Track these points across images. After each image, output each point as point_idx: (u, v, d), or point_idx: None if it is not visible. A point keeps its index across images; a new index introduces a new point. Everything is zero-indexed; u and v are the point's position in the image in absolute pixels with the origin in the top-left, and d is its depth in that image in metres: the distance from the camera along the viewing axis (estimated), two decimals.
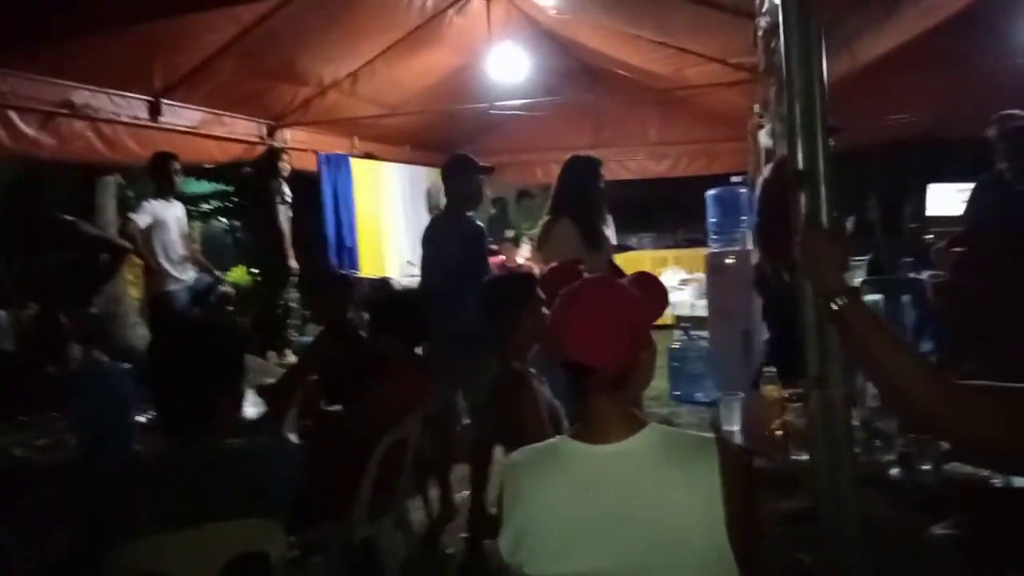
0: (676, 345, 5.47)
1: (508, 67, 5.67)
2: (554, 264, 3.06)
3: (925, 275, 4.18)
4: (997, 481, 2.02)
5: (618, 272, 3.70)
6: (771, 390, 2.47)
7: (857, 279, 4.99)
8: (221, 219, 7.93)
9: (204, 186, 7.54)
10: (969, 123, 4.01)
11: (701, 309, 5.55)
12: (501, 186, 8.69)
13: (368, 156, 6.95)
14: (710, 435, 1.34)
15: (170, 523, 1.48)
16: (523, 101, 6.16)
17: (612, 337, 1.30)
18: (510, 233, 6.72)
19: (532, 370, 2.34)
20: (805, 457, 1.79)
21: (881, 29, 4.37)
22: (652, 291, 1.41)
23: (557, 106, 6.87)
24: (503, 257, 6.47)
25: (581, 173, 3.62)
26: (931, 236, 4.17)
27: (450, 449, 3.54)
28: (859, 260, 5.12)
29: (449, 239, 3.44)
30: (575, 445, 1.33)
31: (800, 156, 1.54)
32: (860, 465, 2.15)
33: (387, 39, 5.29)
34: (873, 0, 3.29)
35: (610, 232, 3.83)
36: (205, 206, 7.66)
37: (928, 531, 2.93)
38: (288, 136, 5.84)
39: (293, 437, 2.83)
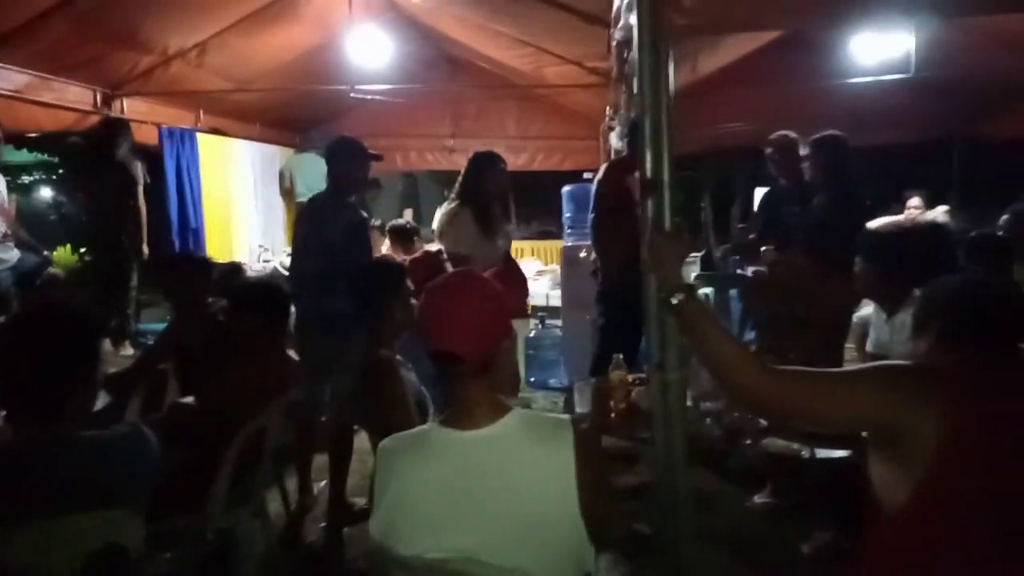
0: (532, 333, 5.72)
1: (369, 49, 5.62)
2: (416, 255, 3.14)
3: (749, 271, 4.68)
4: (805, 453, 2.35)
5: (512, 262, 3.89)
6: (618, 375, 2.70)
7: (691, 274, 5.48)
8: (44, 192, 7.24)
9: (24, 155, 6.85)
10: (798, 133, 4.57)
11: (556, 299, 5.83)
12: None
13: (216, 132, 6.63)
14: (566, 416, 1.49)
15: (24, 516, 1.43)
16: (384, 86, 6.13)
17: (477, 327, 1.39)
18: (376, 221, 6.64)
19: (399, 358, 2.41)
20: (647, 436, 2.00)
21: (718, 46, 4.79)
22: (513, 283, 1.53)
23: (418, 94, 6.89)
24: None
25: (479, 167, 3.73)
26: (754, 236, 4.68)
27: (312, 438, 3.52)
28: (693, 257, 5.59)
29: (330, 224, 3.39)
30: (445, 431, 1.42)
31: (648, 166, 1.73)
32: (692, 440, 2.43)
33: (240, 11, 5.08)
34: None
35: (511, 225, 3.99)
36: (26, 177, 6.96)
37: (750, 500, 3.35)
38: (126, 106, 5.45)
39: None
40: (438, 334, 1.38)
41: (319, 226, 3.32)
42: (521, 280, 3.91)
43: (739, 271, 5.09)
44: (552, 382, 5.48)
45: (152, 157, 5.85)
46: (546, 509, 1.35)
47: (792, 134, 4.38)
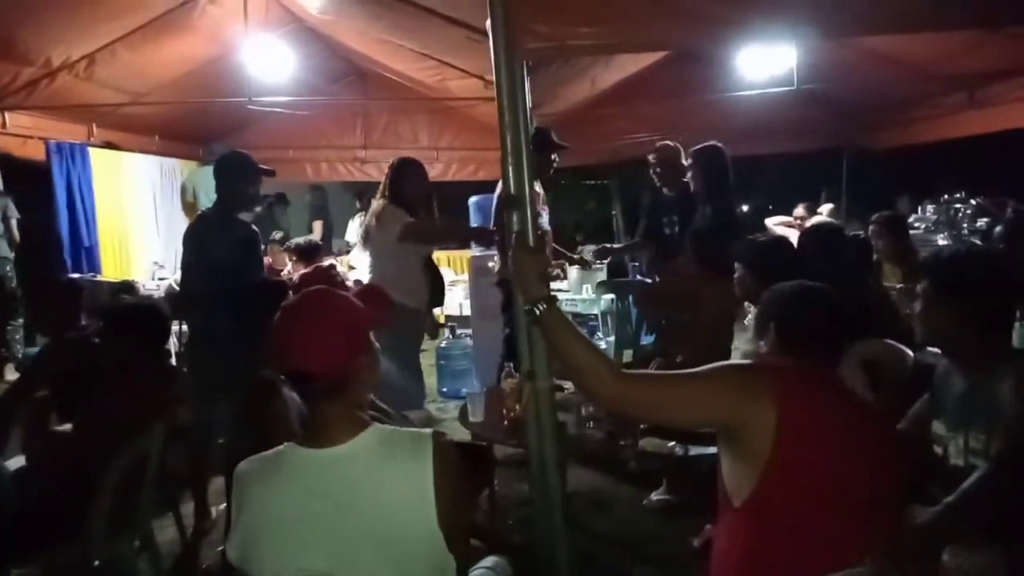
0: (443, 344, 5.75)
1: (268, 61, 5.54)
2: (307, 271, 3.13)
3: (649, 280, 4.86)
4: (679, 450, 2.47)
5: (431, 267, 3.90)
6: (509, 383, 2.77)
7: (597, 279, 5.65)
8: None
9: None
10: (690, 142, 4.77)
11: (468, 309, 5.89)
12: (267, 184, 8.44)
13: (109, 146, 6.39)
14: (427, 431, 1.48)
15: None
16: (285, 99, 6.06)
17: (328, 344, 1.38)
18: (277, 234, 6.54)
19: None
20: None
21: (612, 62, 4.96)
22: (373, 301, 1.55)
23: (321, 106, 6.83)
24: (269, 260, 6.29)
25: (400, 171, 3.80)
26: (634, 242, 4.88)
27: (205, 461, 3.44)
28: (600, 264, 5.75)
29: (219, 241, 3.33)
30: (300, 451, 1.41)
31: (512, 182, 1.80)
32: (574, 442, 2.53)
33: (129, 22, 4.93)
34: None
35: None
36: None
37: (646, 499, 3.47)
38: (8, 120, 5.20)
39: (19, 458, 2.62)
40: (288, 352, 1.39)
41: (208, 242, 3.27)
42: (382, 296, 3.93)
43: (639, 277, 5.27)
44: (464, 391, 5.52)
45: (40, 173, 5.59)
46: (401, 524, 1.36)
47: (673, 144, 4.57)
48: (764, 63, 5.59)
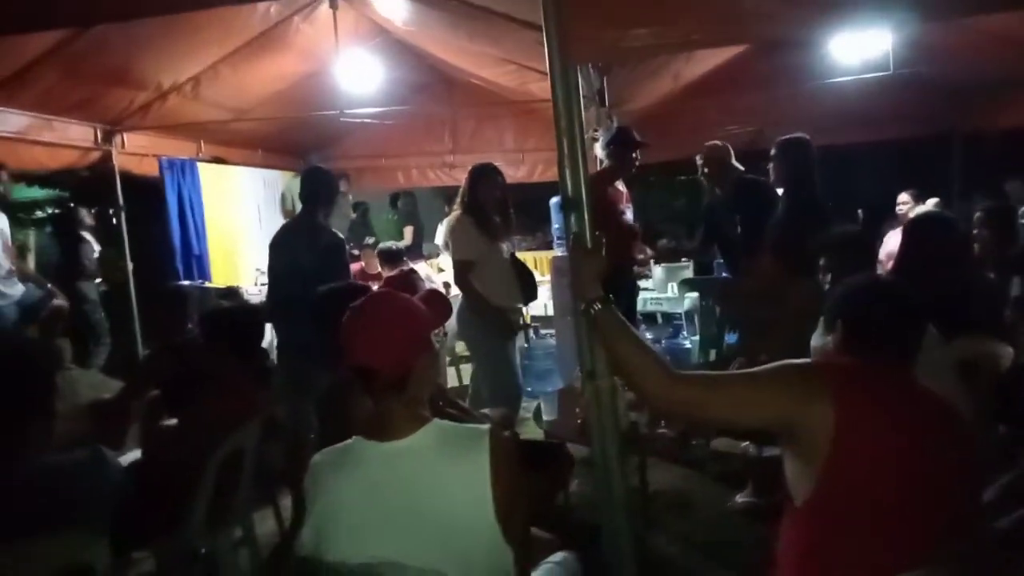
0: (527, 344, 5.80)
1: (359, 74, 5.77)
2: (391, 274, 3.25)
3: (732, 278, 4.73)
4: (752, 450, 2.40)
5: (518, 265, 4.01)
6: (579, 383, 2.77)
7: (682, 277, 5.56)
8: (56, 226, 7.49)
9: (36, 192, 7.10)
10: (781, 133, 4.61)
11: (551, 309, 5.92)
12: (361, 191, 8.76)
13: (217, 160, 6.82)
14: (484, 427, 1.54)
15: None
16: (375, 110, 6.28)
17: (390, 343, 1.48)
18: (370, 240, 6.79)
19: None
20: None
21: (692, 56, 4.87)
22: (434, 304, 1.62)
23: (409, 115, 7.03)
24: (363, 264, 6.55)
25: (474, 178, 3.93)
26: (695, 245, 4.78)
27: (300, 457, 3.63)
28: (685, 261, 5.65)
29: (307, 248, 3.57)
30: (365, 444, 1.51)
31: (569, 185, 1.82)
32: (645, 442, 2.51)
33: (229, 44, 5.24)
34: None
35: (509, 235, 4.11)
36: (39, 213, 7.21)
37: (731, 500, 3.40)
38: (127, 141, 5.65)
39: (136, 452, 2.86)
40: (354, 350, 1.49)
41: (296, 251, 3.46)
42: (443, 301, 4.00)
43: (723, 275, 5.14)
44: (549, 390, 5.57)
45: (154, 188, 6.05)
46: (460, 515, 1.43)
47: (721, 143, 4.48)
48: (857, 47, 5.32)
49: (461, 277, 3.76)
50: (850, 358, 1.57)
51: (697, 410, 1.59)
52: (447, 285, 6.24)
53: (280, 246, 3.68)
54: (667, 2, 1.67)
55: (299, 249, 3.46)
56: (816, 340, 1.68)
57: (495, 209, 3.86)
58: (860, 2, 1.69)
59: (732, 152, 4.29)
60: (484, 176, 3.88)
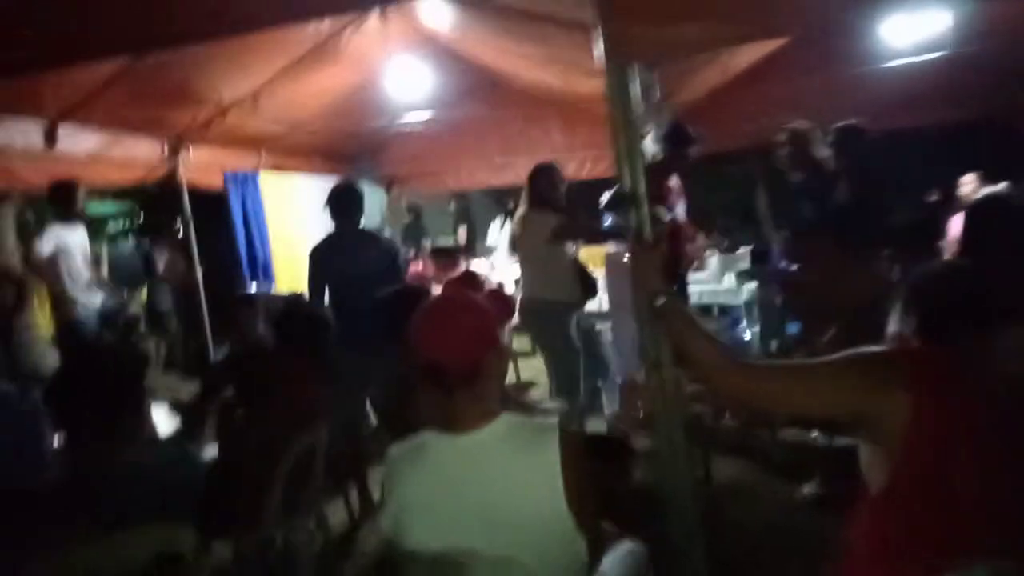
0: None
1: (409, 83, 5.88)
2: (453, 275, 3.34)
3: (794, 267, 4.66)
4: (822, 440, 2.37)
5: (579, 263, 4.09)
6: (642, 376, 2.78)
7: (739, 267, 5.49)
8: (129, 238, 7.83)
9: (108, 207, 7.43)
10: (834, 120, 4.53)
11: (606, 303, 5.92)
12: (413, 195, 8.90)
13: (276, 169, 7.03)
14: (553, 421, 1.61)
15: (84, 534, 1.65)
16: (424, 119, 6.39)
17: (461, 339, 1.54)
18: (427, 242, 6.92)
19: None
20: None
21: (740, 46, 4.81)
22: (498, 302, 1.67)
23: (458, 120, 7.11)
24: (420, 267, 6.67)
25: (535, 178, 4.09)
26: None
27: (361, 451, 3.76)
28: (743, 250, 5.57)
29: (362, 253, 3.73)
30: (439, 438, 1.57)
31: (628, 181, 1.85)
32: (710, 433, 2.51)
33: (284, 59, 5.40)
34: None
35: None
36: (112, 225, 7.56)
37: (797, 491, 3.36)
38: (191, 155, 5.88)
39: (209, 449, 3.00)
40: (425, 348, 1.55)
41: (353, 256, 3.60)
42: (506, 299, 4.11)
43: (781, 266, 5.07)
44: (607, 383, 5.58)
45: (218, 201, 6.27)
46: (533, 506, 1.47)
47: (804, 126, 4.38)
48: (913, 27, 5.17)
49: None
50: (926, 345, 1.55)
51: (768, 399, 1.59)
52: (500, 285, 6.32)
53: (329, 254, 3.86)
54: None
55: (356, 254, 3.61)
56: (892, 328, 1.66)
57: (558, 206, 3.95)
58: None
59: (813, 136, 4.21)
60: (543, 176, 4.00)
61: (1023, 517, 1.40)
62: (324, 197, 7.55)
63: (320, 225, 7.43)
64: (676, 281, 4.55)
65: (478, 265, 6.02)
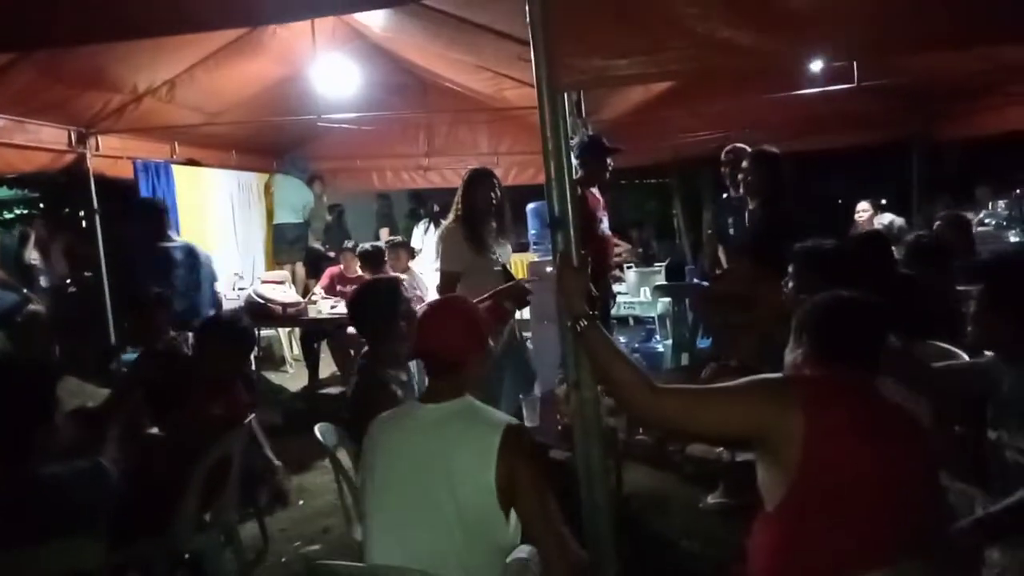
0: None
1: (335, 79, 5.79)
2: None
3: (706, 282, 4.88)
4: (725, 456, 2.51)
5: (509, 277, 3.97)
6: (563, 389, 2.86)
7: (655, 282, 5.68)
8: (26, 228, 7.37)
9: (4, 192, 6.99)
10: (748, 140, 4.76)
11: (527, 312, 6.00)
12: (336, 193, 8.76)
13: (191, 163, 6.78)
14: (509, 418, 1.82)
15: None
16: (351, 115, 6.31)
17: (449, 334, 1.89)
18: (349, 243, 6.79)
19: (399, 374, 2.63)
20: None
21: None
22: (493, 314, 2.19)
23: (385, 119, 7.07)
24: (340, 267, 6.56)
25: (469, 184, 3.84)
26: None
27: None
28: (658, 265, 5.77)
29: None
30: (413, 404, 1.95)
31: (556, 205, 1.90)
32: (625, 447, 2.62)
33: (206, 48, 5.23)
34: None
35: (505, 241, 4.06)
36: (7, 214, 7.10)
37: (703, 500, 3.52)
38: (101, 143, 5.60)
39: (116, 459, 2.88)
40: (423, 337, 1.92)
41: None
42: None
43: (695, 281, 5.28)
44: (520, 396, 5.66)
45: (128, 190, 6.00)
46: (463, 471, 1.73)
47: (741, 146, 4.58)
48: (824, 62, 5.48)
49: (445, 289, 3.79)
50: (818, 370, 1.68)
51: (679, 422, 1.68)
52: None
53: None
54: (650, 33, 1.76)
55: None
56: (788, 355, 1.78)
57: (491, 215, 3.84)
58: (827, 36, 1.81)
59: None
60: (477, 183, 3.84)
61: (917, 523, 1.53)
62: (241, 194, 7.50)
63: (236, 223, 7.34)
64: (603, 293, 4.60)
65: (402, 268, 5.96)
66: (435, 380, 1.91)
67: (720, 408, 1.61)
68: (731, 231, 4.38)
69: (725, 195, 4.58)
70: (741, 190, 4.24)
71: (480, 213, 3.77)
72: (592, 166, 4.65)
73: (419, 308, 2.04)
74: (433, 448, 1.77)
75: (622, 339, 6.25)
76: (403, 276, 5.18)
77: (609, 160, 4.54)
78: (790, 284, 2.94)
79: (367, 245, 5.80)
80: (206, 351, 2.79)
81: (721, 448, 2.55)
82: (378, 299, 2.70)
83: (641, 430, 2.66)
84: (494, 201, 3.80)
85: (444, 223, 3.95)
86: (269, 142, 7.69)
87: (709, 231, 5.47)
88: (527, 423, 3.00)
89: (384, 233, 8.46)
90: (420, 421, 1.84)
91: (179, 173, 6.49)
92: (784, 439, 1.54)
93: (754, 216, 3.92)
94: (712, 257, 4.97)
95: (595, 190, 4.80)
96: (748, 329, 3.52)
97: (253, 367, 4.25)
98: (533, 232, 6.25)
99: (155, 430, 2.90)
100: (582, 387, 1.94)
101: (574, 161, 4.99)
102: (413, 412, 1.89)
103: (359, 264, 5.65)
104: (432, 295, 5.20)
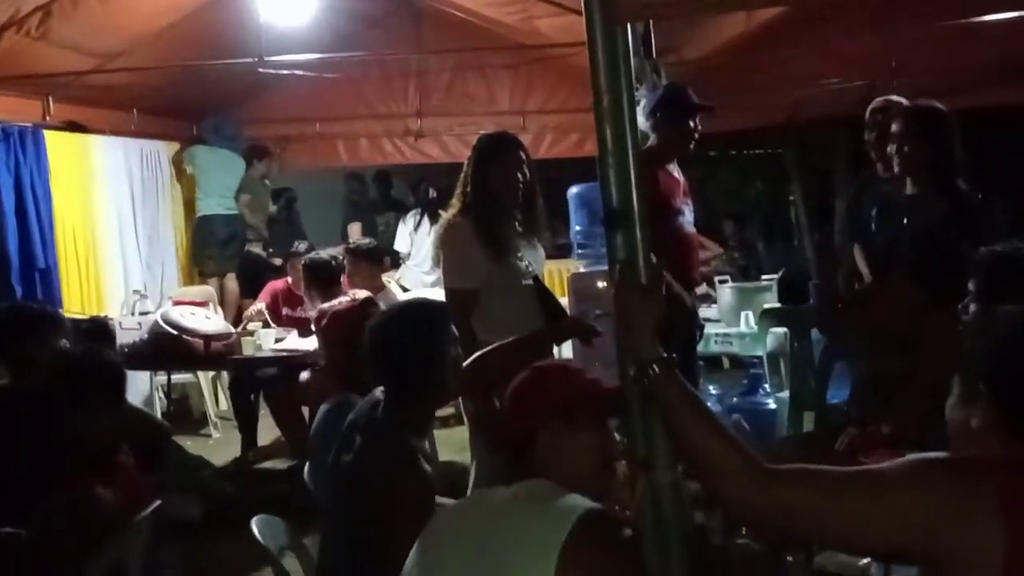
0: None
1: (289, 6, 5.87)
2: (339, 307, 3.31)
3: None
4: (876, 571, 2.45)
5: (546, 293, 3.93)
6: (621, 468, 2.83)
7: (763, 303, 5.64)
8: None
9: None
10: (919, 93, 4.69)
11: (565, 350, 5.99)
12: (286, 173, 8.85)
13: (72, 127, 6.89)
14: (587, 503, 1.89)
15: None
16: (308, 57, 6.38)
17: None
18: (301, 245, 6.79)
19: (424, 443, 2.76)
20: None
21: None
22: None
23: (365, 61, 7.13)
24: (288, 280, 6.59)
25: (483, 159, 3.81)
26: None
27: None
28: (767, 279, 5.72)
29: None
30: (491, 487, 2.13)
31: (614, 191, 1.89)
32: (720, 557, 2.58)
33: None
34: None
35: (539, 239, 4.00)
36: None
37: None
38: None
39: None
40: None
41: None
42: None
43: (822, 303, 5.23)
44: None
45: None
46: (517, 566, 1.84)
47: (895, 100, 4.54)
48: None
49: (455, 317, 3.75)
50: (1016, 445, 1.63)
51: (799, 521, 1.64)
52: None
53: None
54: None
55: None
56: (953, 411, 1.74)
57: (515, 204, 3.79)
58: None
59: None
60: (497, 154, 3.80)
61: None
62: (145, 172, 7.58)
63: (138, 215, 7.41)
64: (684, 322, 4.57)
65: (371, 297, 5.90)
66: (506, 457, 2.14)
67: (864, 504, 1.57)
68: (874, 226, 4.33)
69: (868, 174, 4.53)
70: (895, 167, 4.20)
71: (499, 201, 3.76)
72: (670, 132, 4.64)
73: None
74: (488, 546, 1.91)
75: (712, 390, 6.20)
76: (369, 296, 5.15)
77: (695, 123, 4.53)
78: (971, 308, 2.89)
79: (317, 254, 5.77)
80: (76, 399, 2.82)
81: (867, 560, 2.49)
82: (416, 331, 2.70)
83: (744, 531, 2.61)
84: (521, 183, 3.78)
85: (444, 216, 3.94)
86: (187, 98, 7.78)
87: (842, 228, 5.41)
88: None
89: (355, 231, 8.49)
90: (484, 508, 2.05)
91: (54, 142, 6.61)
92: (971, 555, 1.50)
93: (915, 207, 3.87)
94: (848, 268, 4.92)
95: (674, 167, 4.80)
96: (909, 380, 3.47)
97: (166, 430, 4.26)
98: (578, 229, 6.22)
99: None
100: (654, 466, 1.91)
101: (641, 123, 5.08)
102: (483, 497, 2.13)
103: (304, 287, 5.62)
104: None
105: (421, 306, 3.11)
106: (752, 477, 1.61)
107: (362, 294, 4.25)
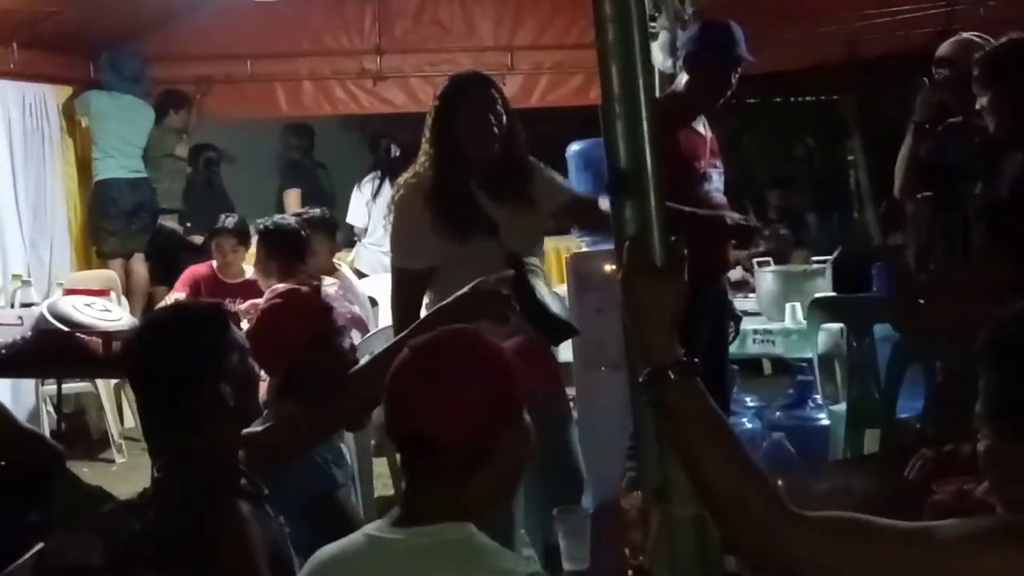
0: None
1: None
2: (274, 295, 3.30)
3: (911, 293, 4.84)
4: None
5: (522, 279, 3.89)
6: (632, 500, 2.84)
7: (813, 293, 5.66)
8: None
9: None
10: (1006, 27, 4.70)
11: (566, 352, 5.99)
12: (208, 125, 8.88)
13: None
14: (529, 567, 1.87)
15: None
16: None
17: (467, 406, 1.84)
18: (229, 221, 6.74)
19: None
20: None
21: None
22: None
23: None
24: (213, 264, 6.57)
25: (448, 103, 3.83)
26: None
27: None
28: (819, 262, 5.73)
29: None
30: (377, 530, 1.94)
31: (622, 150, 1.89)
32: None
33: None
34: None
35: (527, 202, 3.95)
36: None
37: None
38: None
39: None
40: (407, 411, 1.86)
41: None
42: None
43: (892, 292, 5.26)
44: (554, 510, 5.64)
45: None
46: None
47: (973, 38, 4.57)
48: None
49: (402, 301, 3.78)
50: None
51: (823, 569, 1.66)
52: (374, 302, 6.26)
53: None
54: None
55: None
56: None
57: (490, 158, 3.77)
58: None
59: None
60: (466, 98, 3.80)
61: None
62: (28, 121, 7.55)
63: (18, 176, 7.39)
64: (711, 310, 4.59)
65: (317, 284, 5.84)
66: (415, 484, 1.92)
67: (913, 560, 1.59)
68: (964, 188, 4.35)
69: (946, 123, 4.55)
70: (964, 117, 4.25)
71: (466, 156, 3.75)
72: (706, 76, 4.64)
73: (366, 340, 2.03)
74: None
75: (749, 402, 6.20)
76: (325, 282, 5.18)
77: (735, 73, 4.52)
78: None
79: (270, 220, 5.73)
80: None
81: None
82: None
83: None
84: (495, 129, 3.75)
85: (399, 181, 3.94)
86: (79, 28, 7.76)
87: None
88: (565, 562, 3.00)
89: (292, 199, 8.47)
90: (380, 563, 1.87)
91: None
92: None
93: (1007, 165, 3.90)
94: (923, 243, 4.94)
95: (699, 120, 4.80)
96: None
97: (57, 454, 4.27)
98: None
99: None
100: (672, 496, 1.93)
101: (659, 62, 5.08)
102: (371, 549, 1.90)
103: (260, 259, 5.56)
104: (386, 316, 5.20)
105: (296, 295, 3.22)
106: (779, 515, 1.62)
107: (281, 287, 4.06)
